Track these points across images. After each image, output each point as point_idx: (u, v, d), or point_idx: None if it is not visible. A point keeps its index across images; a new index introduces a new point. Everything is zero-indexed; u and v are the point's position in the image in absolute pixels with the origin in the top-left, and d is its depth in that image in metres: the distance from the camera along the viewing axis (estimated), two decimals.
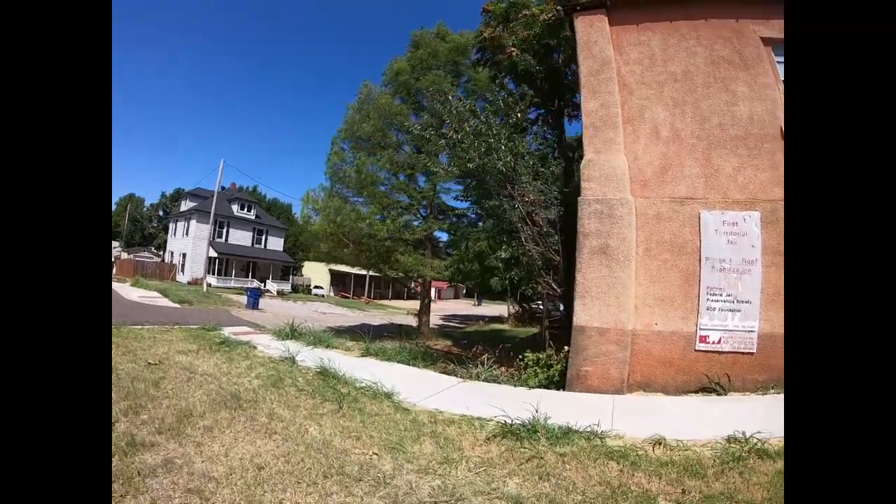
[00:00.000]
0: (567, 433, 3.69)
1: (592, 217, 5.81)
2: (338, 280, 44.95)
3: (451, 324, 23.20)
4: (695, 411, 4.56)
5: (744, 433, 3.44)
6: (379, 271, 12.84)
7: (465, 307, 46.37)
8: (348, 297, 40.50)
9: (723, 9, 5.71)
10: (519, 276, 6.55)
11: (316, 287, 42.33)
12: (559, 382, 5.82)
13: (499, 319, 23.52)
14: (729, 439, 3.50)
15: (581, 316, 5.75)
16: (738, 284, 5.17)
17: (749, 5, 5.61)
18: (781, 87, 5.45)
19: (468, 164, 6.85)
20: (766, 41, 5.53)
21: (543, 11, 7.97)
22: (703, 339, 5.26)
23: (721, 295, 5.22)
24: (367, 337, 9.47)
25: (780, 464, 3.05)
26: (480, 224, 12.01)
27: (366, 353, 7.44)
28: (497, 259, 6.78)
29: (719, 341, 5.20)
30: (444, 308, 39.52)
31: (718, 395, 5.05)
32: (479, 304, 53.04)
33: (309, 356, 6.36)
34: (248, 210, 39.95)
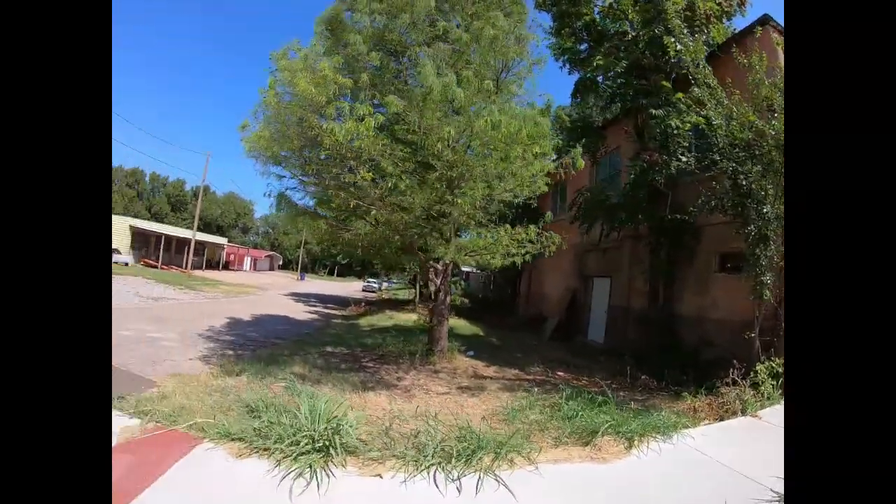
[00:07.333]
0: None
1: None
2: (141, 241, 33.36)
3: (316, 307, 18.05)
4: None
5: None
6: (399, 254, 7.19)
7: (292, 283, 39.21)
8: (156, 266, 29.66)
9: None
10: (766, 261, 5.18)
11: (113, 251, 28.09)
12: None
13: (378, 302, 19.70)
14: None
15: None
16: None
17: None
18: None
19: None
20: None
21: None
22: None
23: None
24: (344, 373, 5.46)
25: None
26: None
27: None
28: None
29: None
30: (273, 283, 33.38)
31: None
32: (302, 279, 45.62)
33: None
34: None
